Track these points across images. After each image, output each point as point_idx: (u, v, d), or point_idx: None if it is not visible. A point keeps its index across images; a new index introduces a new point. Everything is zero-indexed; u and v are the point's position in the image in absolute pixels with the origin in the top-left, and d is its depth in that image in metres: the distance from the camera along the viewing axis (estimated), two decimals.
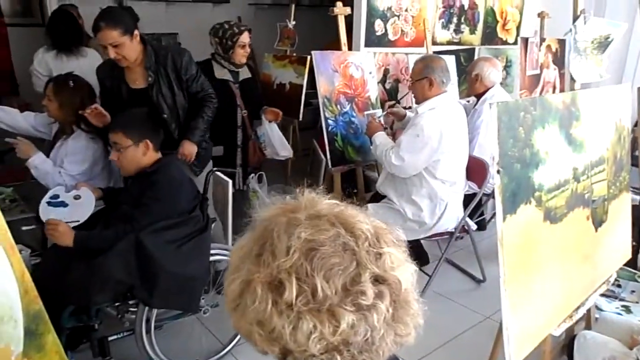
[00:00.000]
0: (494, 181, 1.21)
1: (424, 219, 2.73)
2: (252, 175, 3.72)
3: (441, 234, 2.85)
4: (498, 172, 1.20)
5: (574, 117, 1.52)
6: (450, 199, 2.74)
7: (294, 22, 4.02)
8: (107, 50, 2.24)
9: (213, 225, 2.24)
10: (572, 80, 3.34)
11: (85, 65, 2.85)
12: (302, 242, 0.66)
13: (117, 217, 2.01)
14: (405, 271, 0.70)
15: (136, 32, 2.29)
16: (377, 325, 0.65)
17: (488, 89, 3.33)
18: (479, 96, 3.39)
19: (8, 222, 2.96)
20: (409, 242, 2.65)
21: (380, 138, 2.79)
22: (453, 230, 2.82)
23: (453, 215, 2.79)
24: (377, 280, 0.67)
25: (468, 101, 3.57)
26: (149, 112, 2.24)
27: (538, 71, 4.08)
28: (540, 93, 4.04)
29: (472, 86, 3.40)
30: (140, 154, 2.03)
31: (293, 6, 4.07)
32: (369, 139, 2.91)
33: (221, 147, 2.97)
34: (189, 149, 2.44)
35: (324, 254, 0.65)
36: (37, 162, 2.31)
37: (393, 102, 3.18)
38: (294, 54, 3.97)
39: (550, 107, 1.41)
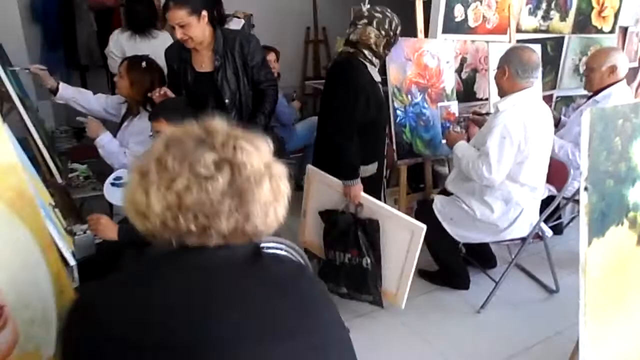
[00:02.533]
0: (580, 198, 1.04)
1: (494, 221, 2.53)
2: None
3: (512, 240, 2.65)
4: (586, 189, 1.03)
5: None
6: (527, 205, 2.52)
7: (368, 6, 3.85)
8: (175, 30, 2.24)
9: None
10: None
11: (157, 47, 2.87)
12: (166, 137, 0.84)
13: None
14: (255, 158, 0.83)
15: (204, 13, 2.26)
16: (211, 191, 0.79)
17: (615, 83, 2.94)
18: (598, 91, 2.99)
19: (81, 199, 3.05)
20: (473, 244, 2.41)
21: (462, 149, 2.56)
22: (525, 237, 2.60)
23: (527, 221, 2.57)
24: (223, 160, 0.80)
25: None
26: (187, 100, 2.19)
27: (636, 64, 3.68)
28: (638, 89, 3.66)
29: (601, 79, 2.96)
30: None
31: None
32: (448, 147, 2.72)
33: (376, 163, 2.53)
34: None
35: (178, 141, 0.82)
36: (105, 141, 2.36)
37: (483, 112, 2.96)
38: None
39: None
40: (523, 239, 2.62)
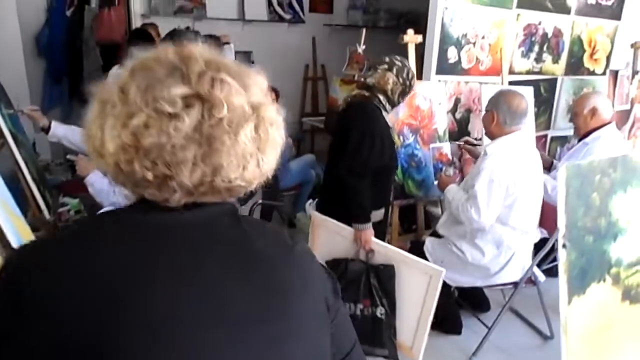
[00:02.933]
0: (559, 256, 1.03)
1: (485, 265, 2.51)
2: (310, 201, 3.64)
3: (503, 285, 2.61)
4: (564, 246, 1.02)
5: None
6: (519, 248, 2.50)
7: (363, 47, 3.93)
8: None
9: None
10: None
11: None
12: (136, 62, 0.69)
13: None
14: (238, 97, 0.68)
15: None
16: (174, 134, 0.64)
17: (603, 125, 2.96)
18: (587, 134, 3.00)
19: None
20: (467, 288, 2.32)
21: (452, 192, 2.56)
22: (517, 281, 2.57)
23: (519, 265, 2.54)
24: (194, 96, 0.66)
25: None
26: None
27: (628, 106, 3.72)
28: (630, 130, 3.68)
29: (584, 123, 3.00)
30: None
31: (364, 31, 3.99)
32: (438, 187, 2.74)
33: (382, 209, 2.49)
34: None
35: (147, 68, 0.68)
36: (94, 179, 2.35)
37: (475, 143, 3.00)
38: (362, 79, 3.88)
39: (635, 167, 1.20)
40: (515, 284, 2.58)
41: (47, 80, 4.68)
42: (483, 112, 2.59)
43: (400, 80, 2.34)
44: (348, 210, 2.29)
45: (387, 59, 2.38)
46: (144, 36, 3.36)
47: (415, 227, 3.15)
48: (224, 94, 0.66)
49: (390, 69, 2.34)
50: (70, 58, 4.62)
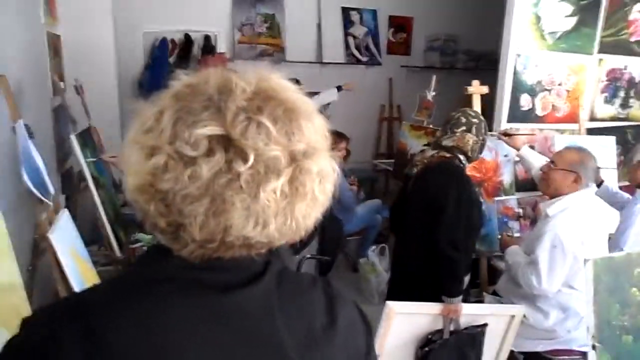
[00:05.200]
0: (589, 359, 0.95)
1: (550, 327, 2.31)
2: (374, 247, 3.61)
3: (571, 351, 2.40)
4: (593, 347, 0.94)
5: None
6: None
7: (433, 93, 3.90)
8: None
9: None
10: None
11: None
12: (186, 82, 0.63)
13: None
14: (273, 144, 0.58)
15: None
16: (188, 183, 0.57)
17: None
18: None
19: None
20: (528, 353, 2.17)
21: (512, 256, 2.41)
22: (586, 349, 2.36)
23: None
24: (224, 139, 0.57)
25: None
26: None
27: None
28: None
29: (634, 173, 2.81)
30: None
31: (434, 77, 3.96)
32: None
33: (469, 275, 2.35)
34: None
35: (189, 95, 0.61)
36: None
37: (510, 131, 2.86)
38: (431, 126, 3.84)
39: None
40: (583, 353, 2.37)
41: None
42: (551, 167, 2.40)
43: (480, 137, 2.25)
44: (440, 283, 2.16)
45: (463, 120, 2.25)
46: None
47: (479, 281, 3.01)
48: (255, 141, 0.57)
49: (469, 130, 2.23)
50: None
